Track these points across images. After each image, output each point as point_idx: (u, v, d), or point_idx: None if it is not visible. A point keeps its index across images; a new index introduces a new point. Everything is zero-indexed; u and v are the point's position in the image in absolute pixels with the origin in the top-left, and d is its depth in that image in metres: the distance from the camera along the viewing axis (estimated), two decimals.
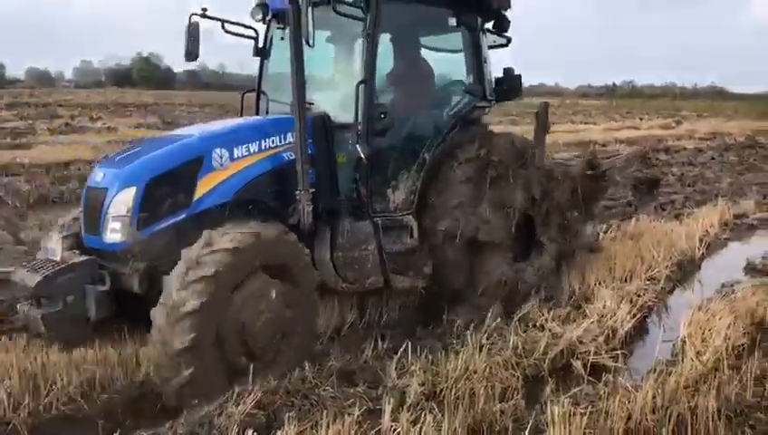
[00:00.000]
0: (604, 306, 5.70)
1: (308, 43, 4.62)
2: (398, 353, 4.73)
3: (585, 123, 39.13)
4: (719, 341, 4.97)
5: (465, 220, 5.52)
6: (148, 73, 79.52)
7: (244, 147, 4.86)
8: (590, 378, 4.60)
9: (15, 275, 4.51)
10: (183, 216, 4.55)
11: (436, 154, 5.66)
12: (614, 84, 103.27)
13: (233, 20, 5.72)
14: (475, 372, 4.50)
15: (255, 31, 5.96)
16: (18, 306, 4.46)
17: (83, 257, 4.38)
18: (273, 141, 5.01)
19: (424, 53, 6.16)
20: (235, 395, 3.90)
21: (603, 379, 4.45)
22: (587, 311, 5.71)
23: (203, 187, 4.62)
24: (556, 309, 5.73)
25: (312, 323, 4.78)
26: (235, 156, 4.79)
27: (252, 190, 4.85)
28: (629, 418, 3.90)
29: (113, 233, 4.46)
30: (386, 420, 3.76)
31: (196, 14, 5.47)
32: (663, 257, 7.29)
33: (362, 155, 5.11)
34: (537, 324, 5.45)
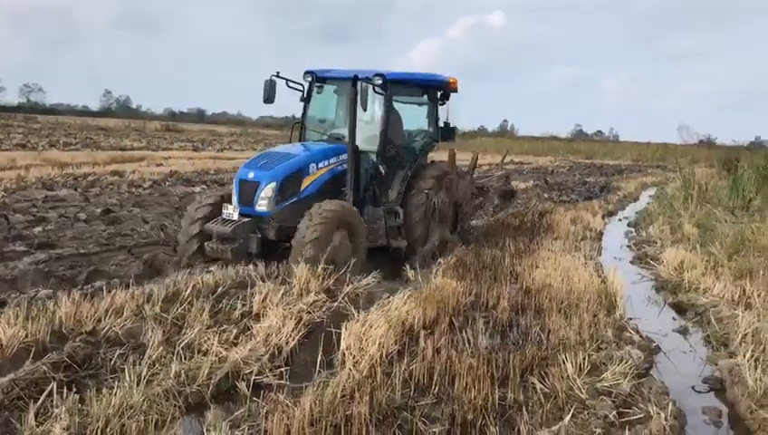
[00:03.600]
0: (270, 326, 5.73)
1: (365, 107, 8.37)
2: (41, 399, 4.18)
3: None
4: (374, 349, 5.31)
5: (425, 208, 9.35)
6: None
7: (321, 162, 8.62)
8: (254, 398, 4.56)
9: (211, 226, 7.90)
10: (295, 199, 8.25)
11: (412, 171, 9.52)
12: (293, 116, 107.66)
13: (292, 79, 9.49)
14: (132, 407, 4.17)
15: (302, 86, 9.66)
16: (206, 244, 7.89)
17: (247, 219, 7.89)
18: (333, 160, 8.75)
19: (405, 112, 9.81)
20: None
21: (266, 397, 4.44)
22: (254, 331, 5.69)
23: (305, 183, 8.40)
24: (222, 335, 5.62)
25: (362, 252, 8.34)
26: (318, 167, 8.57)
27: (325, 186, 8.58)
28: (288, 433, 3.93)
29: (261, 206, 8.01)
30: None
31: (273, 75, 9.11)
32: None
33: (382, 170, 9.10)
34: (202, 350, 5.27)
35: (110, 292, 6.32)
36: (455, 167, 10.11)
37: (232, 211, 8.01)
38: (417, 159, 9.73)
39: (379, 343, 5.41)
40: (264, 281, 7.19)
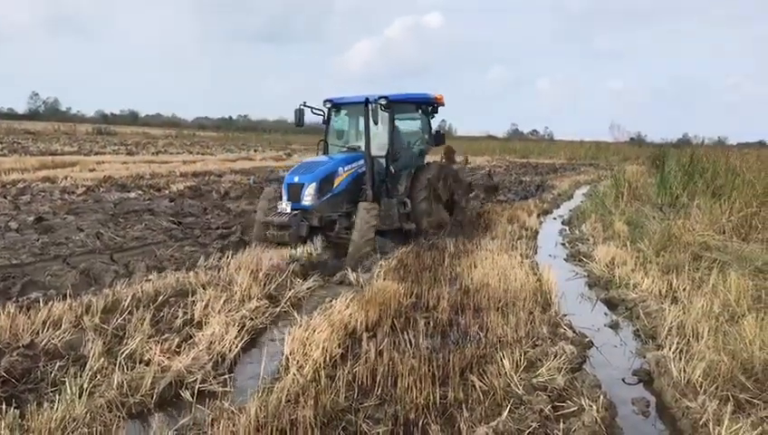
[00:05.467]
0: (212, 333, 5.75)
1: (375, 123, 11.13)
2: None
3: (202, 154, 39.52)
4: (318, 353, 5.40)
5: (427, 197, 11.54)
6: None
7: (347, 166, 10.99)
8: (198, 406, 4.59)
9: (272, 218, 10.36)
10: (330, 195, 10.68)
11: (414, 169, 11.82)
12: (231, 117, 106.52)
13: (315, 106, 12.09)
14: (75, 420, 4.15)
15: (323, 111, 12.19)
16: (267, 233, 10.38)
17: (296, 211, 10.34)
18: (354, 164, 11.13)
19: (406, 124, 12.71)
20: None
21: (211, 405, 4.48)
22: (196, 339, 5.70)
23: (336, 183, 10.78)
24: (164, 344, 5.61)
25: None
26: (345, 169, 10.94)
27: (349, 185, 10.97)
28: None
29: (306, 201, 10.46)
30: None
31: (301, 105, 11.71)
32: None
33: (392, 170, 11.49)
34: (144, 359, 5.26)
35: (46, 303, 6.23)
36: (453, 161, 13.21)
37: (285, 207, 10.56)
38: (417, 160, 12.35)
39: (323, 347, 5.50)
40: (204, 289, 7.18)
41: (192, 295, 6.94)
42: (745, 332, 5.78)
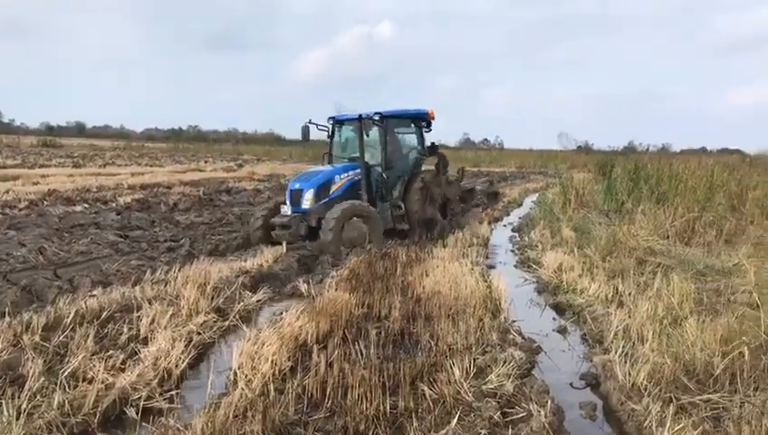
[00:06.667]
0: (158, 349, 5.63)
1: (368, 136, 12.67)
2: None
3: (151, 166, 38.87)
4: (267, 367, 5.33)
5: (420, 199, 12.97)
6: None
7: (343, 174, 12.60)
8: (144, 424, 4.48)
9: (275, 219, 12.06)
10: (327, 199, 12.15)
11: (408, 177, 13.23)
12: (180, 128, 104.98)
13: (320, 123, 13.57)
14: None
15: (327, 127, 13.66)
16: (272, 232, 11.97)
17: (297, 214, 11.96)
18: (351, 172, 12.71)
19: (403, 137, 14.09)
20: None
21: (156, 423, 4.37)
22: (142, 355, 5.57)
23: (332, 189, 12.33)
24: (108, 361, 5.46)
25: (378, 232, 12.04)
26: (341, 177, 12.53)
27: (345, 191, 12.45)
28: None
29: (305, 205, 12.02)
30: None
31: (307, 123, 13.44)
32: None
33: (385, 177, 12.93)
34: (87, 377, 5.11)
35: None
36: (446, 168, 14.25)
37: (287, 210, 12.22)
38: (411, 169, 13.59)
39: (272, 361, 5.44)
40: (150, 304, 7.03)
41: (138, 311, 6.78)
42: (688, 334, 5.92)
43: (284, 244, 11.40)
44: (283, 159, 56.98)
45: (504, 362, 5.61)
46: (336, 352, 5.77)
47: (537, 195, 25.65)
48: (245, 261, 9.84)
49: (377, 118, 12.54)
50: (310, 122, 13.42)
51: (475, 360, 5.66)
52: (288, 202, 12.30)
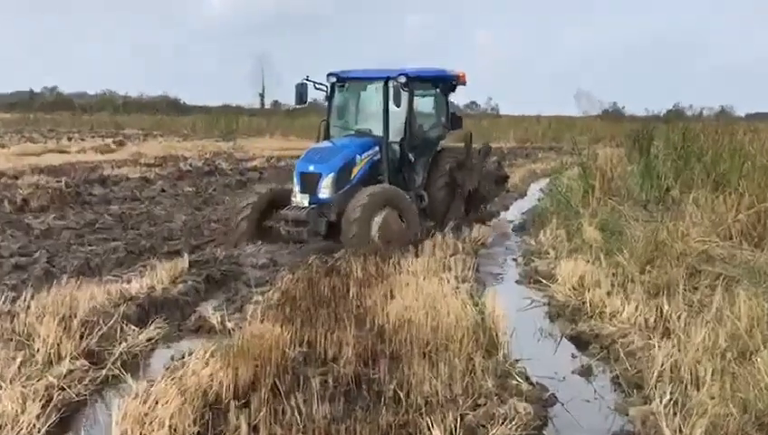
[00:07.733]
0: (2, 413, 5.52)
1: (397, 105, 13.45)
2: None
3: None
4: (163, 434, 5.26)
5: (446, 191, 14.68)
6: None
7: (364, 154, 13.63)
8: None
9: (287, 212, 13.02)
10: (348, 186, 13.20)
11: (431, 159, 14.64)
12: (32, 91, 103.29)
13: (318, 81, 14.53)
14: None
15: (326, 87, 14.61)
16: (281, 228, 12.92)
17: (313, 205, 12.92)
18: (370, 151, 13.72)
19: (422, 105, 15.15)
20: None
21: None
22: None
23: (354, 172, 13.45)
24: None
25: (415, 227, 13.33)
26: (362, 156, 13.59)
27: (365, 175, 13.56)
28: None
29: (324, 193, 13.07)
30: None
31: (304, 79, 14.36)
32: None
33: (411, 158, 14.33)
34: None
35: None
36: (471, 150, 15.45)
37: (301, 200, 13.00)
38: (434, 148, 14.85)
39: (170, 426, 5.38)
40: None
41: None
42: (761, 373, 6.00)
43: (186, 256, 11.05)
44: (183, 134, 56.61)
45: (505, 420, 5.64)
46: (263, 411, 5.74)
47: (547, 180, 25.86)
48: (129, 282, 9.73)
49: (403, 80, 13.25)
50: (307, 79, 14.23)
51: (462, 417, 5.67)
52: (299, 189, 13.12)
